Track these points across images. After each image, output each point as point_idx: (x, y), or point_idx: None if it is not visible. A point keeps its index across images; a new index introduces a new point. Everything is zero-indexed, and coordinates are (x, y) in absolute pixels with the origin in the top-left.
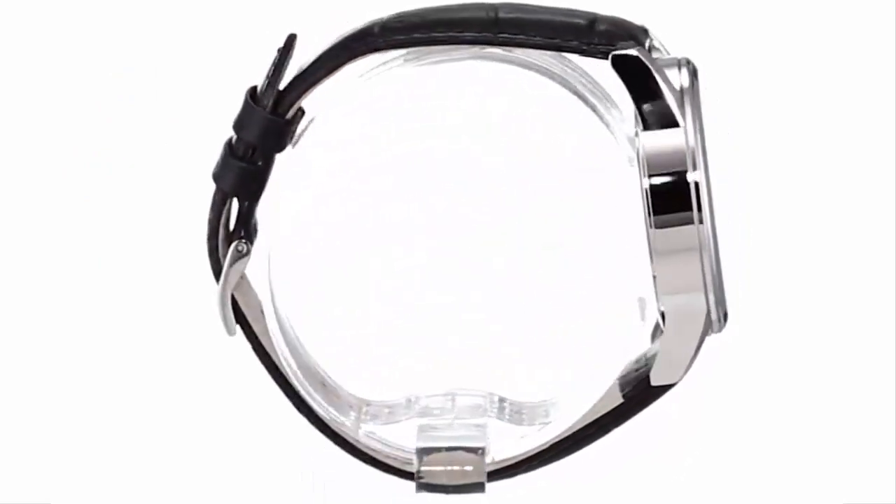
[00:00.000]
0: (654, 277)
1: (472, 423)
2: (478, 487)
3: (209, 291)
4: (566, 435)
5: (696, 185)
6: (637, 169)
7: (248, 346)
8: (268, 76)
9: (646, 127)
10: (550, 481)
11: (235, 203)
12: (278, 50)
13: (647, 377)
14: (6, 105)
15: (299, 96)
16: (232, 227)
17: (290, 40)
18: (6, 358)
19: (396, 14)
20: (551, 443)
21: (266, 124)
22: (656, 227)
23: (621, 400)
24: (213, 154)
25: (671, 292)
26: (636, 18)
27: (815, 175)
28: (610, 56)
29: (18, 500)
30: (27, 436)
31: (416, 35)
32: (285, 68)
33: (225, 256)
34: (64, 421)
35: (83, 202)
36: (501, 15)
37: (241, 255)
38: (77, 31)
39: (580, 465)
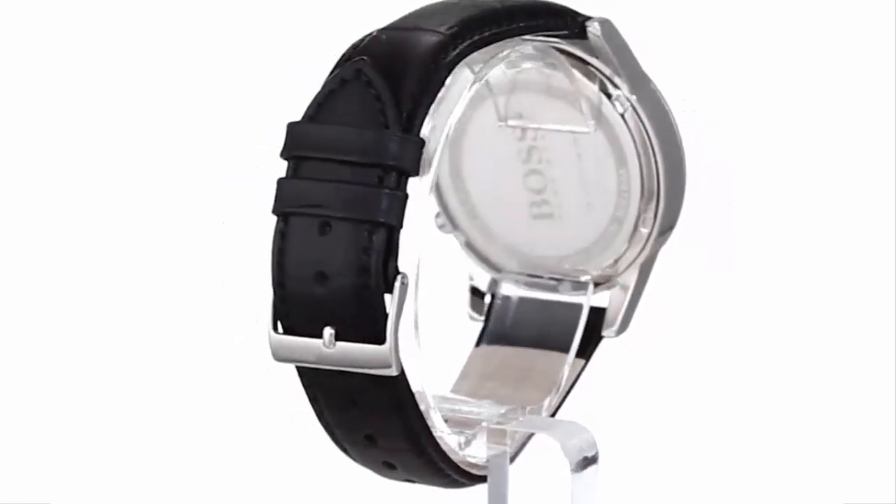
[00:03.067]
0: None
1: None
2: None
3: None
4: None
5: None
6: None
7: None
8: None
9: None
10: (551, 481)
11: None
12: None
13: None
14: (6, 105)
15: (426, 112)
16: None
17: None
18: (6, 358)
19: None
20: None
21: (414, 147)
22: None
23: None
24: (211, 156)
25: None
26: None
27: (814, 175)
28: None
29: (18, 501)
30: (27, 436)
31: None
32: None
33: (388, 294)
34: (64, 421)
35: (82, 202)
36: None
37: (406, 288)
38: (77, 31)
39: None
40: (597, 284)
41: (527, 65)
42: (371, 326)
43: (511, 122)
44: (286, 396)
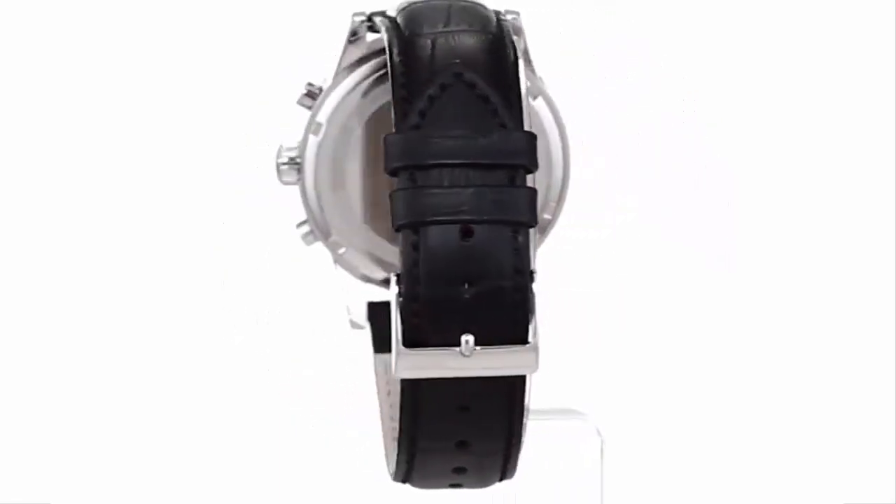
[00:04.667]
0: None
1: None
2: None
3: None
4: None
5: None
6: None
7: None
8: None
9: None
10: (550, 482)
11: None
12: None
13: None
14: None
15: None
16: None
17: None
18: (6, 358)
19: None
20: None
21: (533, 143)
22: None
23: None
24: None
25: None
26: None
27: (813, 175)
28: None
29: (18, 501)
30: (27, 436)
31: None
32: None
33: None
34: (64, 421)
35: (82, 202)
36: None
37: None
38: (77, 31)
39: (580, 465)
40: None
41: None
42: (514, 327)
43: None
44: (286, 396)
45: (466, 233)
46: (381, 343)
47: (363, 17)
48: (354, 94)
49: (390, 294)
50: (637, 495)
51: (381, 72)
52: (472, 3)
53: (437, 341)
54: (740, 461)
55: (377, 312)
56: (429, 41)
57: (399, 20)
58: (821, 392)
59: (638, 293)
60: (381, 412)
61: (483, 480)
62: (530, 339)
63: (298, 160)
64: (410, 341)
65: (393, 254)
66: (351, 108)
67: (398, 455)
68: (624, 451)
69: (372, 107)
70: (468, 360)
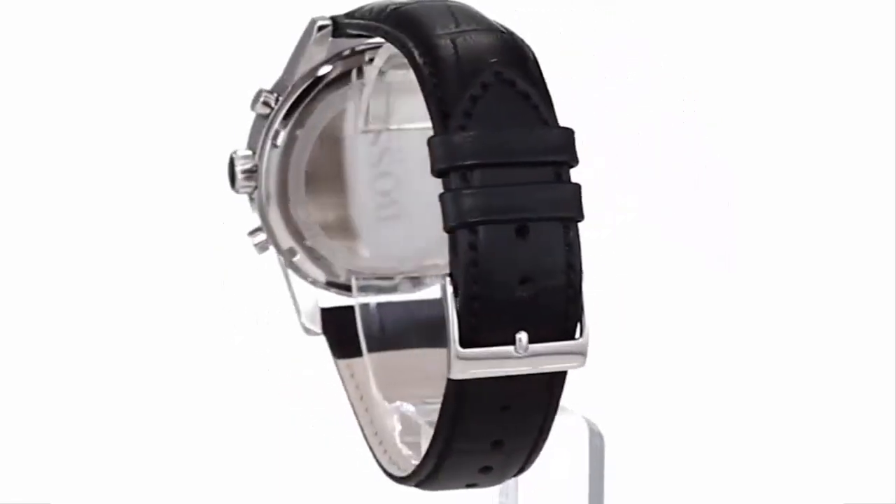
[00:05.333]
0: None
1: None
2: None
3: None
4: None
5: None
6: None
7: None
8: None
9: None
10: (550, 481)
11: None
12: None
13: None
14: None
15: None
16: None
17: None
18: (6, 358)
19: None
20: None
21: (574, 139)
22: None
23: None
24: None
25: None
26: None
27: (814, 174)
28: None
29: (18, 501)
30: (27, 436)
31: None
32: None
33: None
34: (64, 421)
35: (81, 202)
36: None
37: None
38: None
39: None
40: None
41: (387, 65)
42: (567, 322)
43: (371, 126)
44: (286, 396)
45: (522, 231)
46: (342, 349)
47: (326, 22)
48: (314, 103)
49: (443, 294)
50: (637, 495)
51: (339, 77)
52: (460, 1)
53: (493, 340)
54: (740, 461)
55: (332, 319)
56: (448, 41)
57: (393, 22)
58: (820, 392)
59: (638, 293)
60: (358, 418)
61: (501, 479)
62: (580, 335)
63: (254, 169)
64: (467, 341)
65: (346, 259)
66: (310, 116)
67: (426, 458)
68: (624, 451)
69: (329, 114)
70: (521, 358)
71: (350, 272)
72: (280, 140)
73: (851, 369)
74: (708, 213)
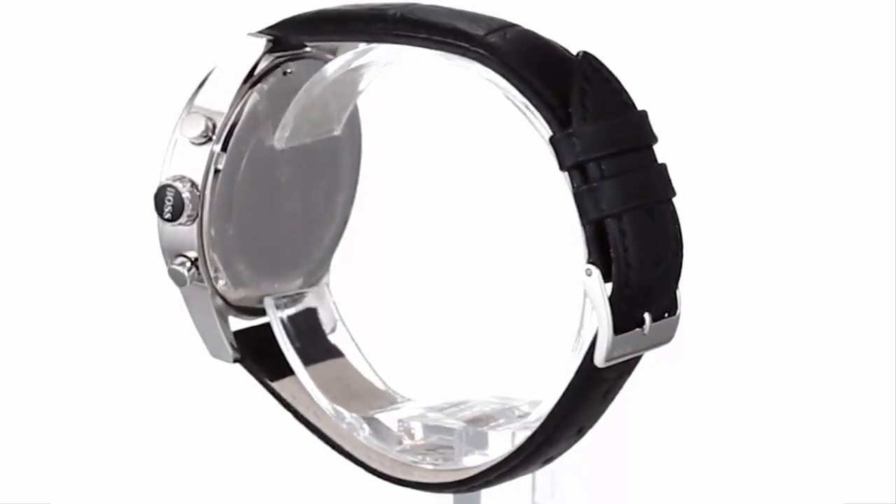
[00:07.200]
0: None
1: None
2: None
3: None
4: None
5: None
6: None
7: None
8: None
9: None
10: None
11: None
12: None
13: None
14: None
15: None
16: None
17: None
18: (6, 358)
19: None
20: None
21: (647, 117)
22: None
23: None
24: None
25: None
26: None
27: (813, 175)
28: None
29: (18, 501)
30: (27, 436)
31: None
32: None
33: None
34: (64, 421)
35: (82, 202)
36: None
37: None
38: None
39: (579, 465)
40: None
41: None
42: (672, 298)
43: (289, 143)
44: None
45: (652, 214)
46: (276, 370)
47: (269, 37)
48: (252, 123)
49: (589, 285)
50: (637, 495)
51: (275, 95)
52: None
53: (632, 323)
54: (740, 461)
55: (259, 341)
56: (502, 38)
57: (405, 28)
58: (820, 391)
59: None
60: (324, 427)
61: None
62: (679, 306)
63: (197, 196)
64: (619, 328)
65: (270, 282)
66: (250, 139)
67: (519, 450)
68: (622, 451)
69: (268, 133)
70: (644, 337)
71: (264, 296)
72: (221, 164)
73: (851, 369)
74: (708, 212)
